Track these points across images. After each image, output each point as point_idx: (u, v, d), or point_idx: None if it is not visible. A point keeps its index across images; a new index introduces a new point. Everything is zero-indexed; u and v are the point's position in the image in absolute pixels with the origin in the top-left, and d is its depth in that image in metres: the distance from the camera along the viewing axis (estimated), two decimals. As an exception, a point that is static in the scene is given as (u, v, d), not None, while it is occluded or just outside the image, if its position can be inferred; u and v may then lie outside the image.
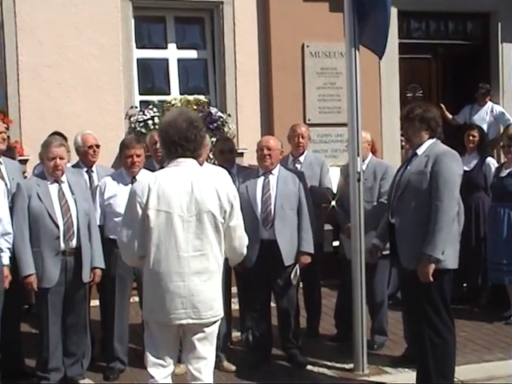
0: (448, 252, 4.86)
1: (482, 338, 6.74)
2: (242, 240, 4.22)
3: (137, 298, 5.75)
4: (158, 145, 5.31)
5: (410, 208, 4.92)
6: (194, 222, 3.93)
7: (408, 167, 5.06)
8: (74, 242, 5.33)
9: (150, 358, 4.03)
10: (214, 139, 7.96)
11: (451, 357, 5.02)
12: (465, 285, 7.92)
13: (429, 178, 4.86)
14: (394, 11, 9.88)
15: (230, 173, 5.85)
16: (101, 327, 6.15)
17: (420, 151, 5.03)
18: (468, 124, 9.18)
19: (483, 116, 9.85)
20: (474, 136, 7.97)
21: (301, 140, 6.85)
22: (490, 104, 10.04)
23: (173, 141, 3.97)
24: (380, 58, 5.78)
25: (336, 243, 7.56)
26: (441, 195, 4.79)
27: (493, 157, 8.43)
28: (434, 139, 5.07)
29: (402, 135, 8.87)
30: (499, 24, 10.53)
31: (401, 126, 5.29)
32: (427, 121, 5.04)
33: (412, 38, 10.55)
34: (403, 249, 4.96)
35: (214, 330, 4.13)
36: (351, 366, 5.85)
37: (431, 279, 4.80)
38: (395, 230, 5.02)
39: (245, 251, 4.27)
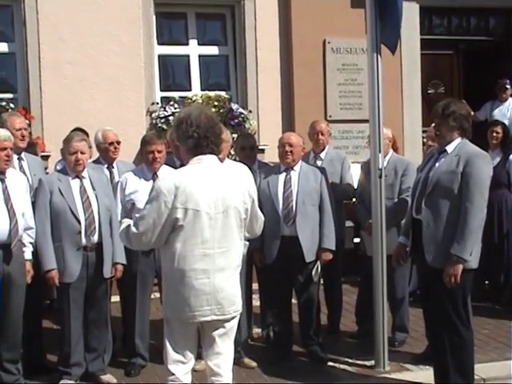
0: (474, 253, 4.83)
1: (504, 335, 6.66)
2: (261, 225, 4.37)
3: (158, 294, 5.75)
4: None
5: (440, 207, 4.85)
6: (221, 218, 3.93)
7: (437, 164, 4.99)
8: (95, 238, 5.32)
9: (171, 355, 4.01)
10: (235, 135, 7.93)
11: (469, 355, 4.98)
12: (486, 282, 7.84)
13: (460, 179, 4.80)
14: (415, 7, 9.88)
15: (251, 169, 5.82)
16: (122, 323, 6.16)
17: (449, 149, 4.96)
18: (491, 120, 9.07)
19: (504, 112, 9.75)
20: (497, 132, 7.88)
21: (320, 137, 6.81)
22: (511, 100, 9.92)
23: (205, 136, 3.96)
24: (392, 53, 5.70)
25: (357, 240, 7.52)
26: (472, 197, 4.74)
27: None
28: (464, 138, 5.00)
29: (423, 131, 8.87)
30: (522, 20, 10.43)
31: (434, 121, 5.18)
32: (461, 120, 4.97)
33: (434, 34, 10.47)
34: (430, 247, 4.89)
35: (234, 325, 4.14)
36: (372, 362, 5.81)
37: (459, 281, 4.75)
38: (422, 227, 4.95)
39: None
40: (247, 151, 6.38)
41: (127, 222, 4.07)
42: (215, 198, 3.92)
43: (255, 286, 6.38)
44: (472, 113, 9.73)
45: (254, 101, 9.37)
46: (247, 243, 4.83)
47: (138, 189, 5.69)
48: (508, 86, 9.89)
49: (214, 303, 3.95)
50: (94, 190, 5.42)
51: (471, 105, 9.88)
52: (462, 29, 10.71)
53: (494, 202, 7.46)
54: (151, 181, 5.59)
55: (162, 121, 8.88)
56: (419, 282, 5.58)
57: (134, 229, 3.94)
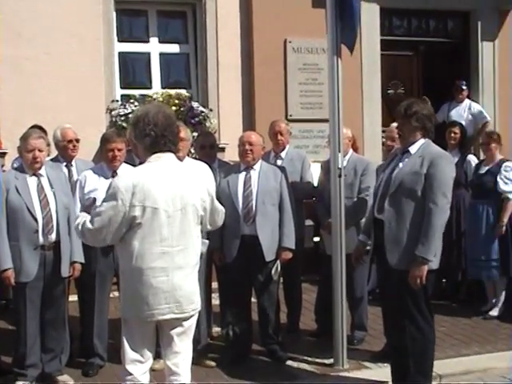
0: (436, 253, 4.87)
1: (460, 332, 6.77)
2: (222, 216, 4.39)
3: (117, 293, 5.68)
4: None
5: (402, 208, 4.86)
6: (179, 216, 3.92)
7: (400, 165, 5.00)
8: (53, 236, 5.25)
9: (128, 355, 3.98)
10: (195, 134, 7.90)
11: (430, 352, 5.02)
12: (444, 280, 7.92)
13: (423, 180, 4.81)
14: (376, 8, 9.96)
15: (211, 168, 5.80)
16: (79, 323, 6.08)
17: (413, 150, 4.97)
18: (448, 121, 9.16)
19: (461, 113, 9.85)
20: (455, 133, 7.96)
21: (279, 137, 6.81)
22: (467, 101, 10.04)
23: (162, 134, 3.94)
24: (351, 52, 5.71)
25: (317, 239, 7.54)
26: (435, 198, 4.77)
27: (474, 154, 8.45)
28: (427, 139, 5.03)
29: (383, 131, 8.93)
30: (479, 23, 10.56)
31: (396, 121, 5.21)
32: (423, 120, 4.99)
33: (394, 35, 10.54)
34: (392, 248, 4.90)
35: (192, 324, 4.13)
36: (331, 361, 5.83)
37: (424, 282, 4.78)
38: (384, 227, 4.96)
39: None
40: (207, 150, 6.36)
41: (84, 216, 4.03)
42: (173, 196, 3.90)
43: (215, 285, 6.37)
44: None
45: (215, 99, 9.36)
46: (207, 242, 4.81)
47: (98, 187, 5.63)
48: (464, 87, 10.00)
49: (173, 301, 3.93)
50: (51, 188, 5.35)
51: (432, 106, 10.05)
52: (421, 30, 10.80)
53: (453, 201, 7.49)
54: (111, 179, 5.52)
55: (122, 119, 8.81)
56: (380, 281, 5.60)
57: (89, 225, 3.90)
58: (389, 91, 10.45)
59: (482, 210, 7.27)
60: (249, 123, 9.30)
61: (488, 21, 10.55)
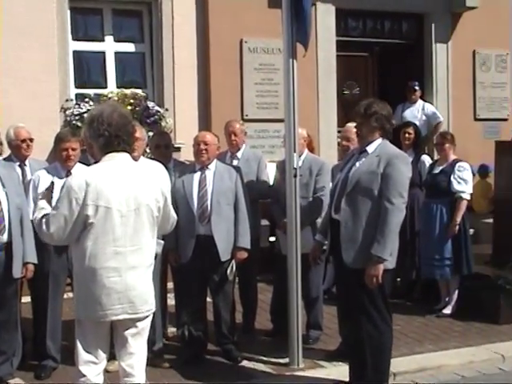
0: (393, 252, 4.91)
1: (414, 330, 6.85)
2: (173, 224, 4.35)
3: (71, 294, 5.62)
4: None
5: (359, 207, 4.90)
6: (133, 216, 3.90)
7: (357, 164, 5.03)
8: (4, 237, 5.17)
9: (82, 356, 3.95)
10: (150, 133, 7.85)
11: (387, 351, 5.07)
12: (398, 279, 8.00)
13: (380, 180, 4.85)
14: (331, 9, 10.04)
15: (166, 167, 5.75)
16: (32, 324, 6.00)
17: (370, 149, 5.01)
18: (402, 121, 9.25)
19: (415, 113, 9.98)
20: (409, 133, 8.03)
21: (233, 137, 6.80)
22: (421, 102, 10.18)
23: (116, 135, 3.92)
24: (305, 49, 5.73)
25: (272, 238, 7.56)
26: (391, 197, 4.81)
27: (428, 154, 8.55)
28: (384, 139, 5.07)
29: (338, 132, 8.98)
30: (433, 25, 10.75)
31: (355, 121, 5.24)
32: (382, 120, 5.03)
33: (349, 36, 10.64)
34: (348, 247, 4.93)
35: (146, 325, 4.11)
36: (286, 360, 5.84)
37: (380, 281, 4.82)
38: (340, 227, 4.99)
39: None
40: (162, 149, 6.32)
41: (43, 206, 4.01)
42: (127, 196, 3.89)
43: (170, 285, 6.34)
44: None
45: (171, 99, 9.33)
46: (162, 242, 4.80)
47: (51, 187, 5.56)
48: (417, 88, 10.13)
49: (126, 302, 3.91)
50: (3, 188, 5.26)
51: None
52: (376, 31, 10.93)
53: (407, 201, 7.61)
54: (65, 179, 5.46)
55: (77, 118, 8.73)
56: (336, 280, 5.65)
57: (44, 228, 3.87)
58: (344, 92, 10.55)
59: (435, 209, 7.35)
60: (205, 123, 9.30)
61: (441, 23, 10.76)
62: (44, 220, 3.90)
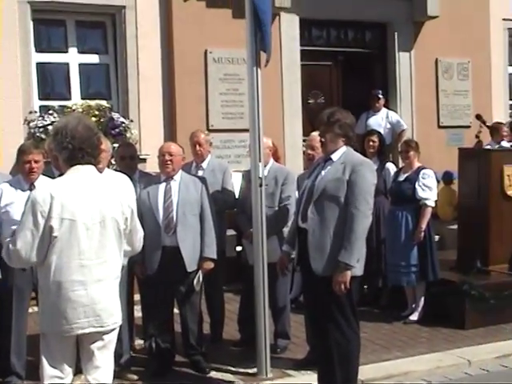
0: (360, 259, 4.94)
1: (382, 338, 6.89)
2: (141, 239, 4.28)
3: (36, 308, 5.58)
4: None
5: (326, 215, 4.93)
6: (98, 229, 3.87)
7: (322, 172, 5.06)
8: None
9: (47, 371, 3.90)
10: (116, 145, 7.82)
11: (355, 358, 5.09)
12: (365, 287, 8.04)
13: (346, 187, 4.89)
14: (295, 19, 10.08)
15: (131, 179, 5.74)
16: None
17: (335, 157, 5.06)
18: (367, 130, 9.32)
19: (379, 121, 10.07)
20: (373, 141, 8.11)
21: (198, 148, 6.82)
22: (385, 110, 10.29)
23: (80, 147, 3.89)
24: (267, 59, 5.74)
25: (239, 248, 7.56)
26: (357, 204, 4.84)
27: (392, 162, 8.63)
28: (348, 147, 5.12)
29: (304, 141, 9.01)
30: (395, 34, 10.85)
31: (319, 129, 5.27)
32: (346, 128, 5.07)
33: (313, 45, 10.69)
34: (316, 255, 4.95)
35: (113, 338, 4.07)
36: (255, 370, 5.85)
37: (347, 287, 4.84)
38: (307, 235, 5.01)
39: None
40: (127, 161, 6.31)
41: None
42: (92, 208, 3.86)
43: (137, 297, 6.30)
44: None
45: (136, 110, 9.30)
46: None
47: (14, 200, 5.51)
48: (381, 96, 10.25)
49: (92, 315, 3.87)
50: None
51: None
52: (340, 41, 10.99)
53: (373, 209, 7.65)
54: (28, 191, 5.42)
55: (41, 130, 8.65)
56: (304, 289, 5.65)
57: (11, 246, 3.82)
58: (309, 101, 10.58)
59: (401, 216, 7.41)
60: (170, 134, 9.29)
61: (404, 32, 10.87)
62: (8, 239, 3.86)
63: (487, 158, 7.84)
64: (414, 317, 7.42)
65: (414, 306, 7.50)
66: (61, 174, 4.10)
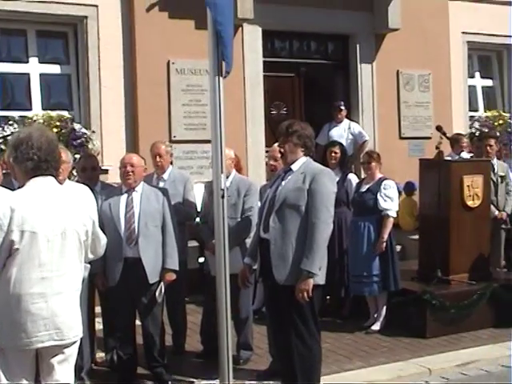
0: (322, 268, 4.99)
1: (344, 348, 6.94)
2: (104, 245, 4.28)
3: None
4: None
5: (287, 224, 4.99)
6: (59, 241, 3.85)
7: (283, 183, 5.13)
8: None
9: (6, 387, 3.86)
10: (77, 156, 7.78)
11: (317, 367, 5.14)
12: (328, 297, 8.09)
13: (306, 196, 4.97)
14: (258, 30, 10.12)
15: (92, 190, 5.74)
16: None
17: (295, 167, 5.13)
18: (329, 141, 9.38)
19: (341, 133, 10.14)
20: (335, 152, 8.14)
21: (158, 159, 6.83)
22: (347, 121, 10.37)
23: (45, 159, 3.89)
24: (227, 73, 5.76)
25: (202, 259, 7.56)
26: (318, 212, 4.92)
27: (354, 173, 8.70)
28: (308, 157, 5.19)
29: (266, 151, 9.05)
30: (357, 46, 10.96)
31: (278, 140, 5.35)
32: (304, 139, 5.15)
33: (276, 56, 10.74)
34: (279, 265, 5.01)
35: (74, 351, 4.04)
36: (217, 381, 5.82)
37: (310, 295, 4.88)
38: (269, 245, 5.06)
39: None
40: (89, 172, 6.30)
41: None
42: (53, 220, 3.84)
43: (98, 309, 6.27)
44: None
45: (98, 121, 9.26)
46: (88, 266, 4.75)
47: (-28, 212, 5.44)
48: (343, 107, 10.32)
49: (53, 328, 3.84)
50: None
51: (314, 126, 10.31)
52: (303, 52, 11.07)
53: (335, 219, 7.66)
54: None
55: (0, 141, 8.56)
56: (267, 299, 5.68)
57: None
58: (272, 112, 10.63)
59: (363, 227, 7.48)
60: (132, 145, 9.27)
61: (366, 44, 10.99)
62: None
63: (447, 169, 7.94)
64: (376, 326, 7.49)
65: (375, 315, 7.57)
66: (20, 186, 4.07)
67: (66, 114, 9.18)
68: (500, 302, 7.65)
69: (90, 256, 4.18)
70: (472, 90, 12.63)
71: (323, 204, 4.95)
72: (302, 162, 5.15)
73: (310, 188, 4.98)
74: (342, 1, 10.60)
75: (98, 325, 6.39)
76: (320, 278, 5.01)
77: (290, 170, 5.17)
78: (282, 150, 5.24)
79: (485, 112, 12.57)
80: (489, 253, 8.15)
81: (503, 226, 9.15)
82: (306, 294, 4.88)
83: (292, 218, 4.99)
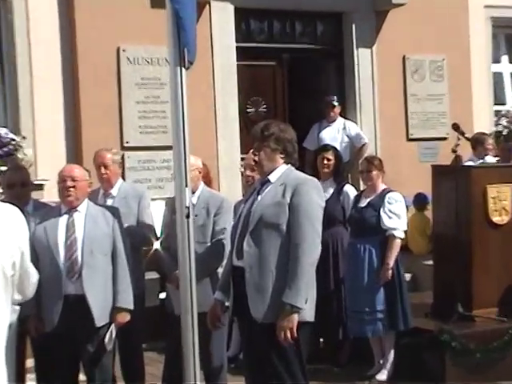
0: (309, 301, 4.98)
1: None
2: (35, 284, 4.31)
3: None
4: None
5: (265, 248, 4.98)
6: (-20, 275, 3.81)
7: (259, 197, 5.14)
8: None
9: None
10: (3, 168, 7.73)
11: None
12: (321, 340, 8.08)
13: (287, 211, 4.96)
14: (229, 8, 10.14)
15: (22, 211, 5.68)
16: None
17: (273, 178, 5.13)
18: (320, 145, 9.37)
19: (334, 135, 10.16)
20: (328, 159, 8.11)
21: (103, 171, 6.83)
22: (341, 120, 10.41)
23: None
24: (191, 63, 5.77)
25: (163, 295, 7.53)
26: (302, 232, 4.92)
27: (351, 184, 8.71)
28: (289, 165, 5.19)
29: (242, 159, 9.06)
30: (353, 26, 11.00)
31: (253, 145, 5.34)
32: (284, 143, 5.15)
33: (253, 41, 10.78)
34: (256, 298, 5.00)
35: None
36: None
37: (295, 335, 4.86)
38: (244, 275, 5.05)
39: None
40: (17, 189, 6.29)
41: None
42: (-32, 251, 3.82)
43: (31, 362, 6.23)
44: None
45: (30, 124, 9.23)
46: (17, 308, 4.72)
47: None
48: (336, 103, 10.35)
49: None
50: None
51: (300, 126, 10.34)
52: (285, 35, 11.09)
53: (329, 241, 7.70)
54: None
55: None
56: (243, 343, 5.67)
57: None
58: (248, 110, 10.64)
59: (363, 250, 7.49)
60: (74, 154, 9.29)
61: (363, 24, 11.04)
62: None
63: (467, 177, 7.97)
64: (383, 375, 7.49)
65: (381, 362, 7.58)
66: None
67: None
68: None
69: (17, 297, 4.13)
70: (498, 78, 12.72)
71: (308, 221, 4.95)
72: (281, 172, 5.15)
73: (291, 202, 4.97)
74: (333, -29, 10.68)
75: (31, 382, 6.34)
76: (307, 314, 5.00)
77: (268, 181, 5.17)
78: (257, 158, 5.24)
79: (514, 105, 12.66)
80: (522, 281, 8.19)
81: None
82: (289, 334, 4.86)
83: (270, 240, 4.98)
